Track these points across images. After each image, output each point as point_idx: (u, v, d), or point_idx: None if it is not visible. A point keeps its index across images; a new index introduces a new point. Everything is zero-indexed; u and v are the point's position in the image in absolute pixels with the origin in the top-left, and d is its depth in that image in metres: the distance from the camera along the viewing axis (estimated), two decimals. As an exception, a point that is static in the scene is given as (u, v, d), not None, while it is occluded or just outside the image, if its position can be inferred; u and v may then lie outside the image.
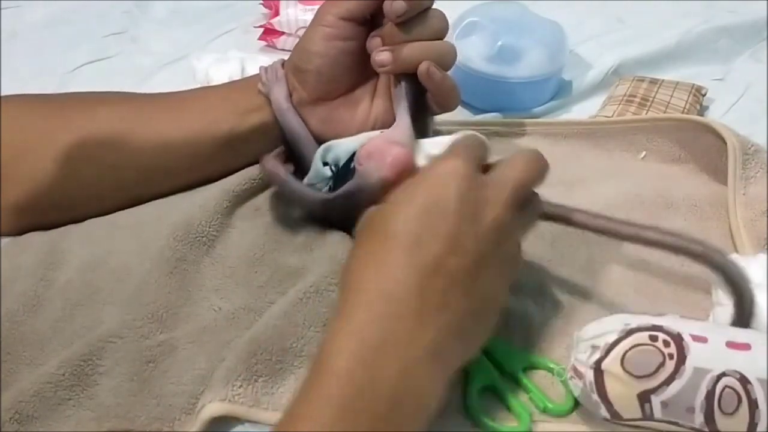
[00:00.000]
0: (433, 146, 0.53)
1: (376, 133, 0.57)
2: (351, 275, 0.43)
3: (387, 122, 0.58)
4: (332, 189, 0.56)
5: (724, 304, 0.50)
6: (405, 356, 0.40)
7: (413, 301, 0.41)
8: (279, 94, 0.60)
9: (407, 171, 0.52)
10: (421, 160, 0.53)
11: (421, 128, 0.56)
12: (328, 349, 0.41)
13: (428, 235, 0.42)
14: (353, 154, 0.55)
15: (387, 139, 0.54)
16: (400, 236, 0.42)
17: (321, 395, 0.39)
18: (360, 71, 0.59)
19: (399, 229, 0.42)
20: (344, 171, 0.56)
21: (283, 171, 0.57)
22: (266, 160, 0.57)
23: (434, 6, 0.56)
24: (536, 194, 0.49)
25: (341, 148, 0.56)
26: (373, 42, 0.57)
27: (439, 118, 0.61)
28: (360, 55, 0.58)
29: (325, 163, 0.57)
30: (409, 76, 0.56)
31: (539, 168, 0.48)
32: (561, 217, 0.53)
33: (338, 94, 0.60)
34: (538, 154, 0.48)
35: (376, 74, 0.60)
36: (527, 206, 0.47)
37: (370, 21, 0.58)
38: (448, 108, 0.59)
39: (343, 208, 0.55)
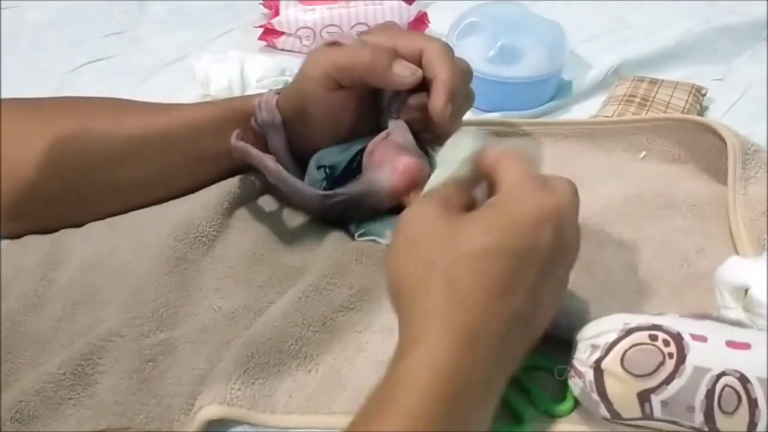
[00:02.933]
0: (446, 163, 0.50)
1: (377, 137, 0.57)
2: (422, 305, 0.40)
3: None
4: (327, 188, 0.57)
5: (731, 308, 0.50)
6: (479, 409, 0.40)
7: (497, 346, 0.40)
8: (278, 144, 0.58)
9: (418, 179, 0.52)
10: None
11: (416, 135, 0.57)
12: (407, 382, 0.38)
13: (518, 281, 0.40)
14: (352, 158, 0.55)
15: (396, 144, 0.54)
16: (492, 277, 0.40)
17: (399, 412, 0.37)
18: (362, 108, 0.58)
19: (491, 268, 0.40)
20: (344, 172, 0.56)
21: (272, 162, 0.56)
22: (245, 149, 0.56)
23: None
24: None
25: (335, 153, 0.57)
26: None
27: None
28: (362, 102, 0.57)
29: (319, 167, 0.56)
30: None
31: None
32: None
33: (344, 134, 0.59)
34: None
35: (379, 110, 0.59)
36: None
37: None
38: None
39: (343, 206, 0.55)
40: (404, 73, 0.53)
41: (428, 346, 0.39)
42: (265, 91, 0.60)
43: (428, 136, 0.58)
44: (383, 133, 0.57)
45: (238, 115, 0.59)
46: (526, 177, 0.43)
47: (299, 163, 0.59)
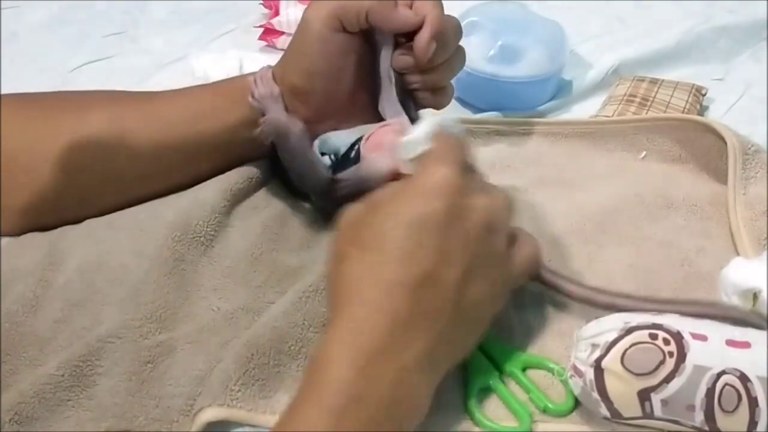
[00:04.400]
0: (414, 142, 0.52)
1: (375, 125, 0.56)
2: (343, 285, 0.44)
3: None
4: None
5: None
6: (398, 366, 0.41)
7: (404, 312, 0.42)
8: (277, 116, 0.57)
9: None
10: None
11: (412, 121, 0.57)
12: (323, 357, 0.42)
13: (419, 249, 0.43)
14: (352, 144, 0.55)
15: (394, 130, 0.54)
16: (392, 250, 0.43)
17: (315, 402, 0.40)
18: (360, 77, 0.58)
19: (390, 243, 0.43)
20: (344, 158, 0.56)
21: (290, 119, 0.56)
22: (292, 120, 0.56)
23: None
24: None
25: (339, 138, 0.56)
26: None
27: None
28: (361, 62, 0.57)
29: (323, 154, 0.56)
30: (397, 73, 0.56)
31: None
32: (554, 286, 0.53)
33: (343, 106, 0.58)
34: None
35: (376, 77, 0.58)
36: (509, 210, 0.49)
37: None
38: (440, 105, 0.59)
39: (347, 190, 0.55)
40: (408, 13, 0.54)
41: (338, 325, 0.43)
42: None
43: (422, 93, 0.58)
44: (380, 123, 0.57)
45: (234, 93, 0.59)
46: (438, 157, 0.46)
47: None
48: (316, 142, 0.57)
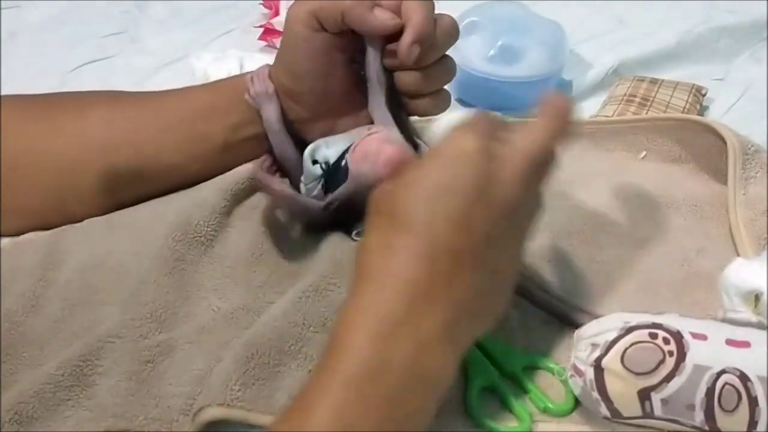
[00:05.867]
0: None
1: (364, 129, 0.56)
2: (363, 259, 0.43)
3: None
4: (325, 186, 0.56)
5: (740, 311, 0.50)
6: (417, 336, 0.40)
7: (424, 282, 0.41)
8: (271, 114, 0.57)
9: (402, 169, 0.52)
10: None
11: (402, 126, 0.56)
12: (341, 330, 0.41)
13: (438, 218, 0.41)
14: (343, 153, 0.55)
15: (379, 138, 0.54)
16: (410, 220, 0.42)
17: (334, 375, 0.39)
18: (353, 76, 0.57)
19: (409, 212, 0.42)
20: (335, 168, 0.55)
21: (278, 184, 0.56)
22: (259, 176, 0.56)
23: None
24: (553, 157, 0.46)
25: (330, 146, 0.56)
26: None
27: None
28: (348, 60, 0.56)
29: (315, 162, 0.56)
30: (387, 74, 0.55)
31: (558, 131, 0.46)
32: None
33: (337, 105, 0.58)
34: (558, 119, 0.46)
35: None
36: (542, 172, 0.45)
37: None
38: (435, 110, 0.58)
39: (342, 208, 0.55)
40: (385, 16, 0.53)
41: (356, 296, 0.42)
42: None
43: (416, 99, 0.57)
44: (365, 128, 0.56)
45: (233, 93, 0.59)
46: (464, 127, 0.44)
47: (293, 136, 0.59)
48: (308, 151, 0.57)
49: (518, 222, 0.45)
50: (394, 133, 0.55)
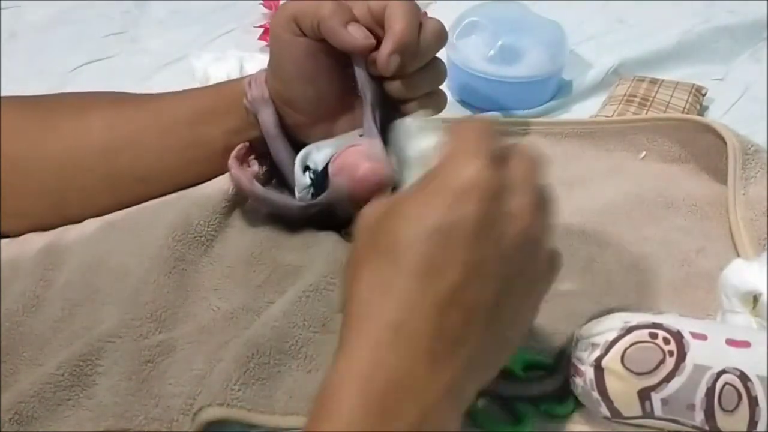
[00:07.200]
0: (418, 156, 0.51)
1: (355, 135, 0.56)
2: (354, 298, 0.38)
3: None
4: (314, 195, 0.56)
5: (739, 312, 0.50)
6: (420, 403, 0.36)
7: (427, 337, 0.36)
8: (267, 119, 0.57)
9: (378, 187, 0.52)
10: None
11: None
12: (335, 392, 0.36)
13: (445, 260, 0.36)
14: (331, 158, 0.55)
15: (358, 152, 0.54)
16: (412, 260, 0.36)
17: None
18: (345, 78, 0.56)
19: (411, 250, 0.36)
20: (323, 174, 0.55)
21: (247, 181, 0.56)
22: (232, 171, 0.56)
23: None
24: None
25: (320, 150, 0.56)
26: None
27: (439, 116, 0.61)
28: (339, 64, 0.55)
29: (307, 168, 0.56)
30: (373, 84, 0.55)
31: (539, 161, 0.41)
32: None
33: (332, 107, 0.58)
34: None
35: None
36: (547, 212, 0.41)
37: None
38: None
39: (321, 215, 0.55)
40: (358, 34, 0.52)
41: (350, 348, 0.37)
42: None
43: (408, 104, 0.56)
44: (357, 133, 0.56)
45: (234, 96, 0.59)
46: (465, 148, 0.38)
47: (290, 140, 0.59)
48: (299, 158, 0.57)
49: (535, 263, 0.39)
50: (377, 146, 0.54)
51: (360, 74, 0.55)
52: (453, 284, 0.36)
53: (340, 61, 0.55)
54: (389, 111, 0.56)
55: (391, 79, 0.54)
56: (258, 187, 0.57)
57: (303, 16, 0.52)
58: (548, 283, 0.41)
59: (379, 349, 0.36)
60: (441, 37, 0.54)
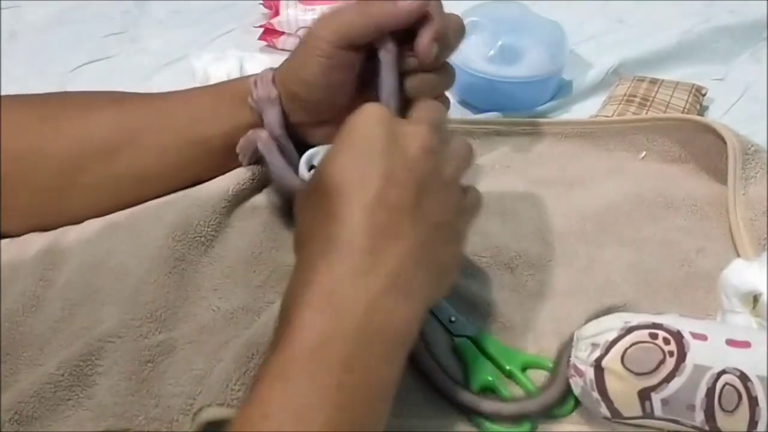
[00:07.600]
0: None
1: None
2: (300, 234, 0.45)
3: None
4: None
5: (739, 312, 0.50)
6: (366, 295, 0.40)
7: (362, 239, 0.41)
8: (272, 119, 0.57)
9: None
10: None
11: None
12: (288, 306, 0.41)
13: (363, 175, 0.43)
14: None
15: None
16: (338, 184, 0.43)
17: (286, 351, 0.39)
18: (359, 86, 0.57)
19: (335, 178, 0.43)
20: None
21: (278, 158, 0.57)
22: (260, 139, 0.57)
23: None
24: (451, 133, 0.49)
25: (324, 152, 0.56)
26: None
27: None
28: (361, 74, 0.56)
29: (312, 167, 0.56)
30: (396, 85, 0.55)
31: (443, 111, 0.50)
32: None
33: (341, 112, 0.55)
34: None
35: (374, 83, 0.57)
36: (447, 141, 0.48)
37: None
38: None
39: None
40: (407, 1, 0.52)
41: (298, 270, 0.43)
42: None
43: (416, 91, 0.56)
44: None
45: (236, 95, 0.59)
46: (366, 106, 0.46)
47: (294, 138, 0.58)
48: (305, 158, 0.57)
49: (443, 173, 0.45)
50: None
51: (388, 78, 0.54)
52: (374, 192, 0.42)
53: (360, 70, 0.56)
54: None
55: (418, 74, 0.55)
56: (274, 148, 0.57)
57: (355, 28, 0.53)
58: (461, 201, 0.47)
59: (322, 259, 0.41)
60: (462, 31, 0.56)
